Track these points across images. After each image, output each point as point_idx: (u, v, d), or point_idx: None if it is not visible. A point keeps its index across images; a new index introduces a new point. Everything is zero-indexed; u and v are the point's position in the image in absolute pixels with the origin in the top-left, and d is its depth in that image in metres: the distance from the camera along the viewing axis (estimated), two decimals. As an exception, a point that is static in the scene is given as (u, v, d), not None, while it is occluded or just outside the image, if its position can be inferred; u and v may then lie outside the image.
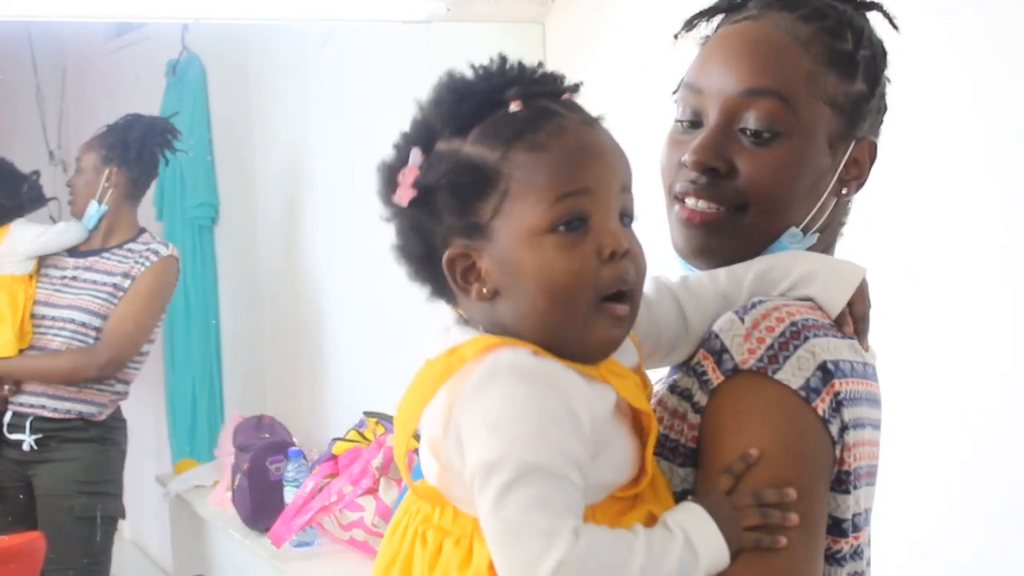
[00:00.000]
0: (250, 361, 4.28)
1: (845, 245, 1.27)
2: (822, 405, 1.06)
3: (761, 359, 1.06)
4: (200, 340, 4.38)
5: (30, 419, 3.45)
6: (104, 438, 3.54)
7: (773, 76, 1.16)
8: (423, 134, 1.06)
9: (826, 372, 1.07)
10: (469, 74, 1.07)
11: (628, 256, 1.04)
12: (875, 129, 1.23)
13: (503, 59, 1.07)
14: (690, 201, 1.18)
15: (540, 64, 1.09)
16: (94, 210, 3.56)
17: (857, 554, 1.14)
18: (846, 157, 1.19)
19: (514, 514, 0.97)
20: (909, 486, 1.96)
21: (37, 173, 3.97)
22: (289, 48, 3.76)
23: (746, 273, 1.15)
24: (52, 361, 3.45)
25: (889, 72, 1.23)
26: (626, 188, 1.06)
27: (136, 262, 3.53)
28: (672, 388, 1.14)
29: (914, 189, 1.98)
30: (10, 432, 3.46)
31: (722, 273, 1.16)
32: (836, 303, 1.14)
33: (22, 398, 3.46)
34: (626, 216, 1.06)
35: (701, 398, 1.09)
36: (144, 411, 4.56)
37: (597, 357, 1.05)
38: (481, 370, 1.01)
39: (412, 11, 2.63)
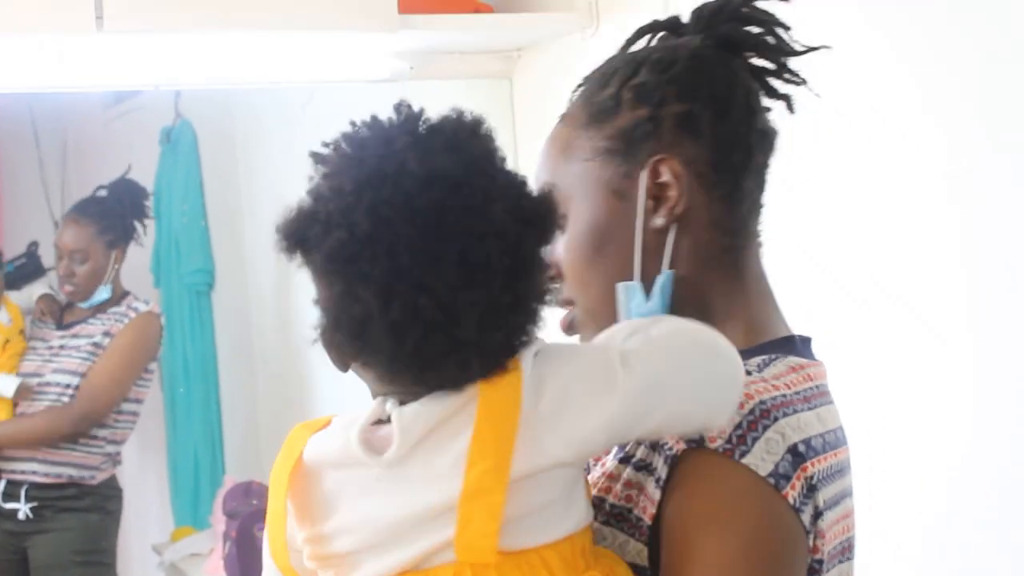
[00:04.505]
0: (248, 426, 4.26)
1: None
2: (792, 493, 0.99)
3: (729, 440, 0.99)
4: (201, 406, 4.35)
5: (25, 487, 3.43)
6: (100, 507, 3.52)
7: (543, 172, 1.16)
8: None
9: (796, 455, 1.01)
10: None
11: None
12: (682, 141, 1.11)
13: None
14: None
15: None
16: (104, 294, 3.56)
17: None
18: (642, 192, 1.11)
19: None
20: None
21: (36, 244, 3.99)
22: (274, 110, 3.78)
23: None
24: (29, 422, 3.43)
25: (683, 77, 1.13)
26: None
27: (116, 321, 3.53)
28: (623, 460, 1.08)
29: (874, 204, 1.95)
30: (5, 501, 3.45)
31: None
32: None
33: (12, 465, 3.44)
34: None
35: (663, 471, 1.02)
36: (148, 479, 4.54)
37: None
38: None
39: (376, 71, 2.63)
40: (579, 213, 1.13)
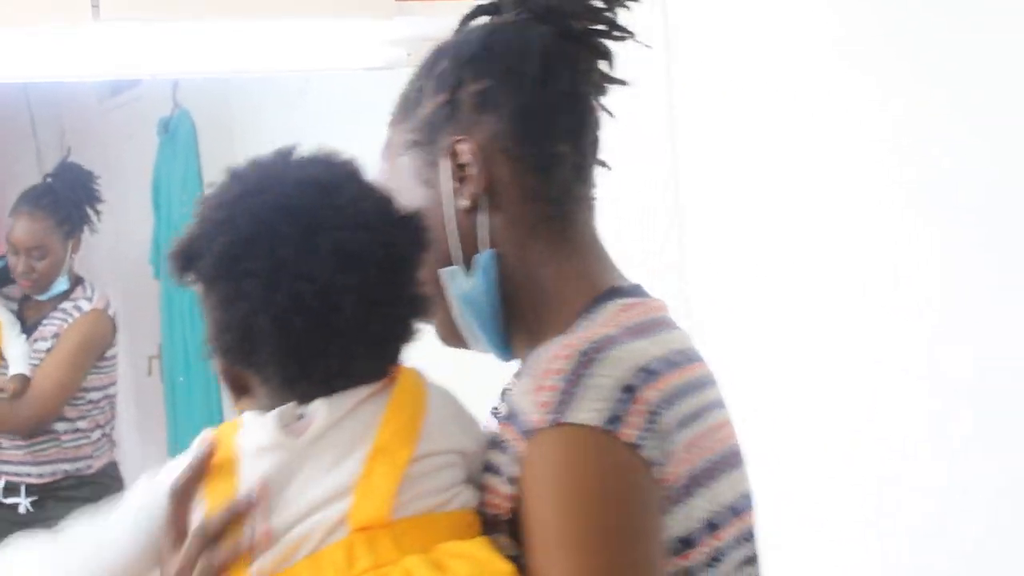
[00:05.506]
0: (249, 415, 4.26)
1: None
2: (628, 430, 0.98)
3: (552, 409, 0.98)
4: (201, 396, 4.35)
5: (24, 484, 3.44)
6: (100, 496, 3.50)
7: (378, 175, 1.17)
8: None
9: (629, 390, 0.99)
10: None
11: None
12: (481, 119, 1.12)
13: None
14: None
15: None
16: (63, 284, 3.50)
17: (717, 559, 1.06)
18: (444, 176, 1.13)
19: None
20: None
21: None
22: (272, 99, 3.77)
23: None
24: None
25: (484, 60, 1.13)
26: None
27: (63, 320, 3.45)
28: (486, 468, 1.07)
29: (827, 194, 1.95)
30: (5, 496, 3.45)
31: None
32: None
33: (6, 467, 3.44)
34: None
35: (513, 469, 1.01)
36: (151, 467, 4.54)
37: None
38: None
39: (372, 59, 2.61)
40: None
